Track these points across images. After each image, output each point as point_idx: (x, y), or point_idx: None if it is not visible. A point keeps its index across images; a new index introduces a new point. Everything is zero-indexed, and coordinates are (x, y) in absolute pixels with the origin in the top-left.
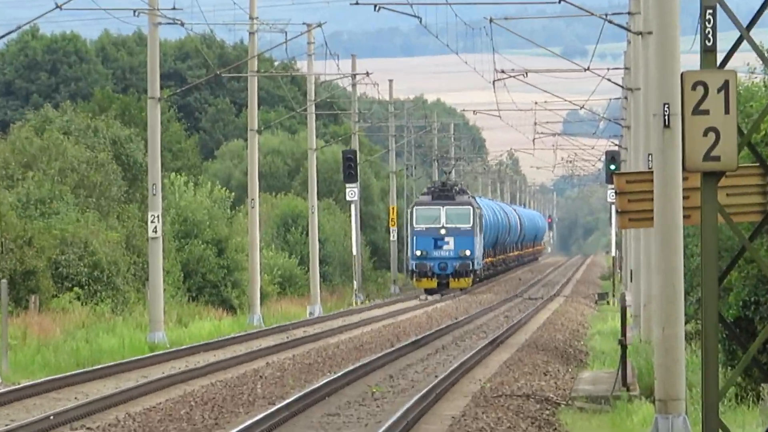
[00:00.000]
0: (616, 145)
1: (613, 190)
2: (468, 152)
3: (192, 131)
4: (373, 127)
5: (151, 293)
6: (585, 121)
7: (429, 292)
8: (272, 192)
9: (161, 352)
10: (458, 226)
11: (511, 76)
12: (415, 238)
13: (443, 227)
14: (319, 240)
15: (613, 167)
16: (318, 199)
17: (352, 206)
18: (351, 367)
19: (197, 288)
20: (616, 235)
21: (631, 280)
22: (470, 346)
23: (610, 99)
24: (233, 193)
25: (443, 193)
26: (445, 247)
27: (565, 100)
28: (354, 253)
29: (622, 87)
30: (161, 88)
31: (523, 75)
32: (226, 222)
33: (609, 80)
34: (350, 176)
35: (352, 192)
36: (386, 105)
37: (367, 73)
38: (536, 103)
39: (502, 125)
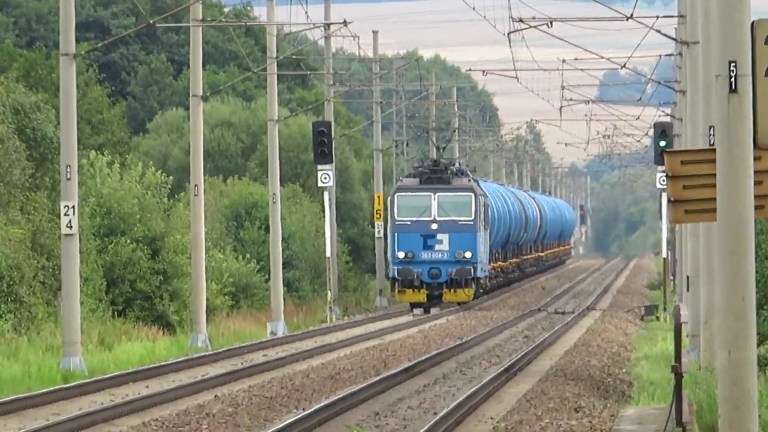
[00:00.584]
0: (667, 115)
1: (664, 174)
2: (476, 124)
3: (118, 97)
4: (352, 92)
5: (64, 307)
6: (627, 85)
7: (415, 306)
8: (222, 176)
9: (78, 382)
10: (455, 219)
11: (531, 27)
12: (397, 235)
13: (435, 221)
14: (283, 238)
15: (663, 144)
16: (281, 184)
17: (326, 194)
18: (324, 402)
19: (125, 300)
20: (668, 232)
21: (687, 290)
22: (479, 375)
23: (660, 56)
24: (171, 177)
25: (435, 175)
26: (437, 247)
27: (602, 58)
28: (328, 254)
29: (675, 40)
30: (78, 41)
31: (547, 25)
32: (163, 215)
33: (658, 32)
34: (323, 155)
35: (325, 176)
36: (369, 63)
37: (345, 22)
38: (564, 61)
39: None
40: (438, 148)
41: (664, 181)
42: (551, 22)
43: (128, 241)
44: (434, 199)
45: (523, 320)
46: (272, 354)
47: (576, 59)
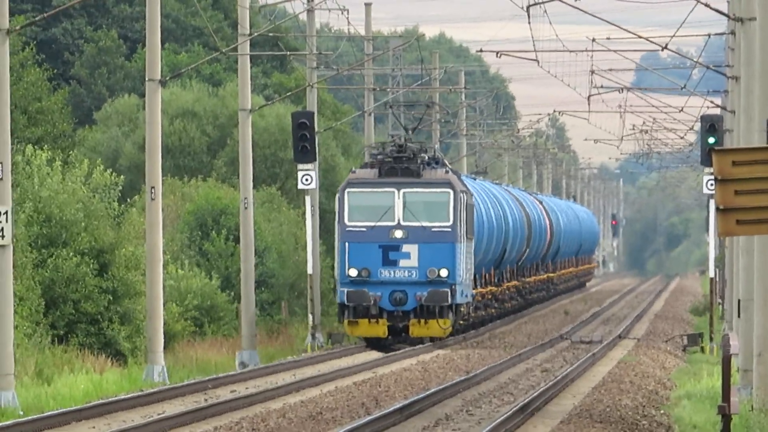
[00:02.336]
0: (716, 106)
1: (712, 177)
2: (488, 116)
3: (60, 81)
4: (340, 76)
5: None
6: (669, 70)
7: (371, 343)
8: (184, 176)
9: (10, 422)
10: (427, 224)
11: None
12: (347, 246)
13: (399, 226)
14: (256, 251)
15: (712, 141)
16: (254, 187)
17: (308, 198)
18: None
19: (66, 323)
20: (716, 247)
21: (738, 316)
22: (489, 415)
23: (709, 35)
24: (123, 178)
25: (400, 164)
26: (402, 262)
27: (639, 37)
28: (309, 270)
29: (727, 16)
30: (12, 14)
31: None
32: (112, 222)
33: (707, 6)
34: (304, 152)
35: (307, 177)
36: (361, 43)
37: None
38: (594, 40)
39: (541, 75)
40: (406, 129)
41: (712, 185)
42: None
43: (71, 253)
44: (398, 197)
45: (542, 350)
46: (242, 389)
47: (608, 39)
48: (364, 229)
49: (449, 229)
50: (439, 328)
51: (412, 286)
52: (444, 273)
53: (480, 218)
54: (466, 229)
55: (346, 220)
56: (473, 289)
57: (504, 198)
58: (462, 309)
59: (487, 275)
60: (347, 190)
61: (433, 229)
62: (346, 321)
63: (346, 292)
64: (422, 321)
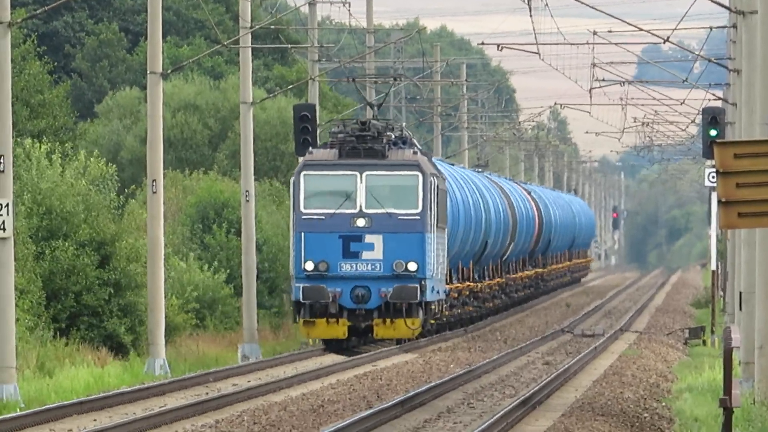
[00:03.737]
0: (718, 98)
1: (714, 169)
2: (489, 108)
3: (61, 74)
4: (342, 69)
5: None
6: (670, 62)
7: (330, 346)
8: (185, 169)
9: (12, 414)
10: (393, 211)
11: None
12: (303, 236)
13: (362, 214)
14: (258, 244)
15: (713, 133)
16: (256, 179)
17: None
18: None
19: (68, 316)
20: (718, 240)
21: (740, 309)
22: (491, 409)
23: (711, 28)
24: (124, 171)
25: (363, 144)
26: (365, 254)
27: (641, 30)
28: None
29: (729, 9)
30: (13, 7)
31: None
32: (113, 215)
33: None
34: (306, 145)
35: None
36: (362, 35)
37: None
38: (595, 33)
39: (543, 68)
40: (371, 105)
41: (713, 178)
42: None
43: (72, 246)
44: (361, 181)
45: (544, 343)
46: (243, 382)
47: (610, 31)
48: (322, 217)
49: (418, 217)
50: (406, 329)
51: (376, 281)
52: (412, 266)
53: (455, 206)
54: (438, 218)
55: (301, 207)
56: (447, 284)
57: (485, 185)
58: (433, 307)
59: (465, 270)
60: (303, 173)
61: (399, 217)
62: (301, 321)
63: (301, 288)
64: (388, 320)
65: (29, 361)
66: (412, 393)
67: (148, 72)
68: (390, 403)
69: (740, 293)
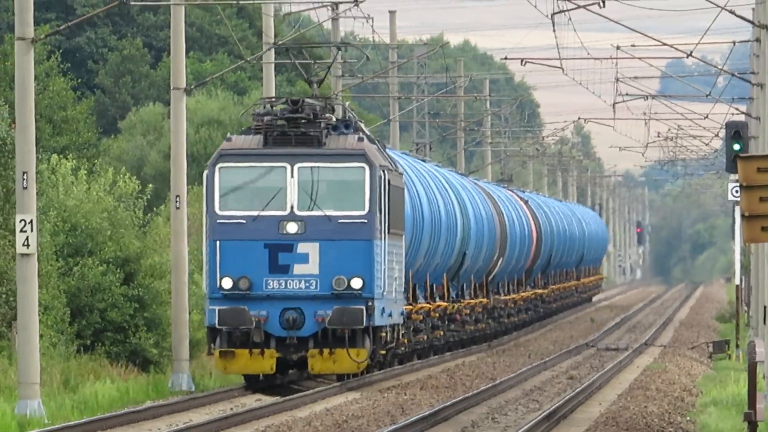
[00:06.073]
0: (742, 113)
1: (737, 183)
2: (512, 123)
3: (84, 90)
4: (365, 85)
5: (20, 340)
6: (694, 77)
7: (252, 382)
8: None
9: (36, 431)
10: (333, 214)
11: (580, 6)
12: (218, 245)
13: (293, 217)
14: None
15: (737, 147)
16: None
17: None
18: None
19: (93, 333)
20: (742, 254)
21: (765, 323)
22: (515, 423)
23: (734, 42)
24: (149, 187)
25: (295, 129)
26: (297, 268)
27: (664, 44)
28: None
29: (752, 23)
30: (37, 23)
31: (599, 4)
32: (138, 231)
33: (732, 13)
34: None
35: None
36: (386, 51)
37: (356, 1)
38: (618, 48)
39: (566, 82)
40: (309, 82)
41: (737, 192)
42: (603, 2)
43: (97, 262)
44: (292, 176)
45: (568, 358)
46: (267, 398)
47: (633, 46)
48: (242, 221)
49: (364, 221)
50: (350, 362)
51: (311, 302)
52: (356, 283)
53: (417, 207)
54: (391, 221)
55: (216, 209)
56: (408, 305)
57: (463, 186)
58: (383, 334)
59: (436, 287)
60: (218, 165)
61: (340, 221)
62: (217, 352)
63: (217, 311)
64: (326, 351)
65: (53, 377)
66: (437, 408)
67: (172, 87)
68: (415, 418)
69: (765, 307)
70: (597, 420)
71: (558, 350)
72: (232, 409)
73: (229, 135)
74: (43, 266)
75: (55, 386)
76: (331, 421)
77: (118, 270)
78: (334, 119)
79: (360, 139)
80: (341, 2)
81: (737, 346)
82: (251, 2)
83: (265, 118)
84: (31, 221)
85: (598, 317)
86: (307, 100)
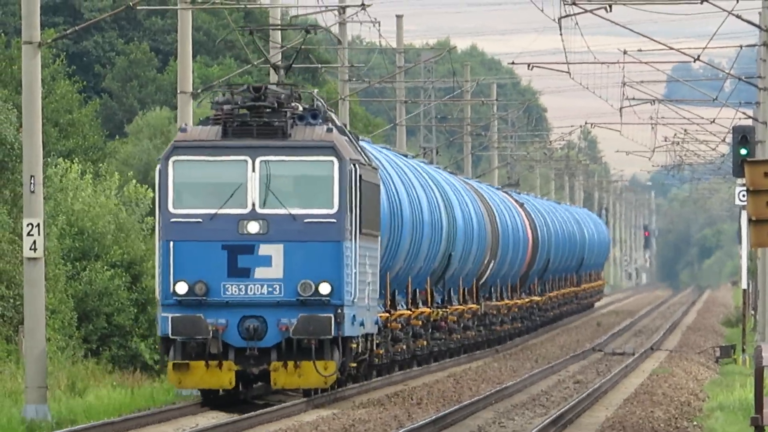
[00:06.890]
0: (749, 117)
1: (744, 188)
2: (519, 128)
3: (91, 94)
4: (372, 89)
5: (27, 344)
6: (701, 81)
7: (209, 398)
8: None
9: None
10: (299, 212)
11: (586, 11)
12: (171, 246)
13: (254, 215)
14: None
15: (744, 152)
16: None
17: None
18: None
19: (100, 337)
20: (749, 258)
21: None
22: (522, 427)
23: (741, 46)
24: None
25: (257, 118)
26: (258, 272)
27: (671, 49)
28: None
29: (759, 27)
30: (43, 27)
31: (606, 9)
32: (144, 235)
33: (738, 17)
34: None
35: None
36: (393, 55)
37: (363, 5)
38: (625, 52)
39: (573, 87)
40: (275, 67)
41: (744, 196)
42: (610, 6)
43: (104, 266)
44: (253, 170)
45: (574, 362)
46: (274, 400)
47: (639, 50)
48: (198, 220)
49: (333, 220)
50: (317, 376)
51: (274, 309)
52: (325, 289)
53: (395, 205)
54: (363, 221)
55: (170, 206)
56: (384, 312)
57: (449, 183)
58: (354, 345)
59: (419, 292)
60: (172, 158)
61: (307, 220)
62: (170, 364)
63: (170, 319)
64: (290, 364)
65: (60, 381)
66: (443, 412)
67: (179, 92)
68: (421, 423)
69: None
70: (603, 425)
71: (564, 354)
72: (240, 413)
73: (184, 125)
74: (51, 270)
75: (62, 390)
76: None
77: (125, 274)
78: (300, 108)
79: (329, 131)
80: (348, 6)
81: (744, 350)
82: (258, 6)
83: (225, 107)
84: (39, 225)
85: (605, 322)
86: (270, 87)
